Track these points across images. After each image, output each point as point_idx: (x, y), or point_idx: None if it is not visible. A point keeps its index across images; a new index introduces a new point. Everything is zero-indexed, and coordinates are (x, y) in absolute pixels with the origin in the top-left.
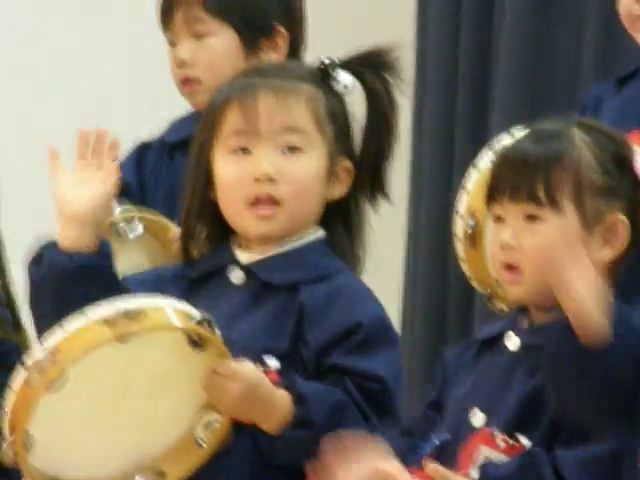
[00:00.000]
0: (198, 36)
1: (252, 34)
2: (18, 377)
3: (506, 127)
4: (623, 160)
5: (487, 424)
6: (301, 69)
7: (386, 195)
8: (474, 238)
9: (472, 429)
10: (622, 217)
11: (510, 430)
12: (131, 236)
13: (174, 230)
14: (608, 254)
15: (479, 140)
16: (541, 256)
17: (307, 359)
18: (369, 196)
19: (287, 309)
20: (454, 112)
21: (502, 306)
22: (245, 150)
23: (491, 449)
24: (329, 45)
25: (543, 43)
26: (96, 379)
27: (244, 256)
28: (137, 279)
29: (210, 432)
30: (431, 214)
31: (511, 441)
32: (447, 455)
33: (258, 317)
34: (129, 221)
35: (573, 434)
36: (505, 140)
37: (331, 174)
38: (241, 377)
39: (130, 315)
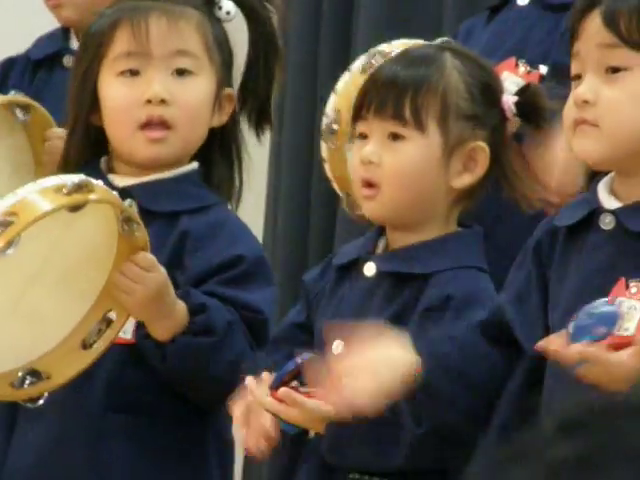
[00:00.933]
0: None
1: None
2: None
3: None
4: (491, 90)
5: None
6: None
7: (271, 123)
8: (335, 134)
9: (334, 357)
10: (483, 145)
11: None
12: (23, 119)
13: (55, 130)
14: (467, 180)
15: (342, 71)
16: (400, 174)
17: (182, 285)
18: (255, 124)
19: (166, 236)
20: (317, 46)
21: (361, 212)
22: (135, 72)
23: None
24: None
25: None
26: (36, 255)
27: (119, 180)
28: None
29: (105, 334)
30: (294, 137)
31: None
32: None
33: None
34: (25, 107)
35: None
36: (382, 47)
37: (217, 102)
38: (159, 270)
39: (80, 186)
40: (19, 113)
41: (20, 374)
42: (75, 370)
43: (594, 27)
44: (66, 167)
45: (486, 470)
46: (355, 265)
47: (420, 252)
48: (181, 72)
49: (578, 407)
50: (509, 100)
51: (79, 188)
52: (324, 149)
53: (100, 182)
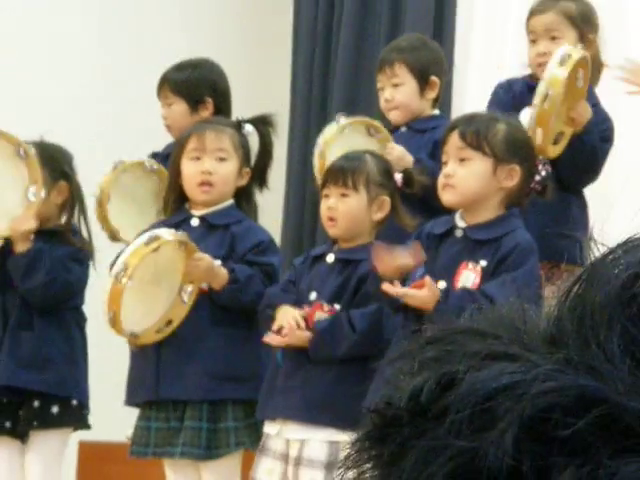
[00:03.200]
0: (169, 105)
1: (194, 103)
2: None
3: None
4: (389, 172)
5: (318, 298)
6: (227, 121)
7: (267, 186)
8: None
9: (310, 301)
10: (387, 198)
11: (330, 301)
12: (154, 168)
13: (164, 181)
14: (379, 215)
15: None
16: (347, 215)
17: (235, 260)
18: (258, 186)
19: (224, 237)
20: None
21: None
22: (198, 158)
23: (321, 312)
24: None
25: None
26: (143, 275)
27: (195, 212)
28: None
29: (188, 296)
30: (296, 195)
31: (330, 307)
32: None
33: (209, 242)
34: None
35: (363, 300)
36: None
37: (240, 174)
38: (206, 259)
39: (153, 239)
40: (148, 163)
41: (161, 324)
42: (183, 314)
43: (454, 138)
44: (166, 206)
45: (385, 365)
46: (322, 256)
47: (356, 250)
48: (221, 159)
49: (438, 329)
50: (397, 176)
51: (153, 240)
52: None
53: (163, 230)
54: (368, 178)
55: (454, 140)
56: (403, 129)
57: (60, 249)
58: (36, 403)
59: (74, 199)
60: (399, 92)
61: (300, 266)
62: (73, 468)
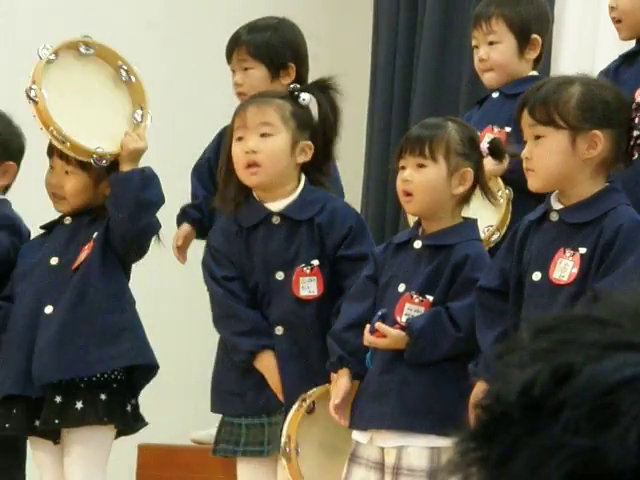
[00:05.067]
0: (245, 69)
1: (275, 69)
2: None
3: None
4: (474, 141)
5: (406, 290)
6: (276, 92)
7: (332, 159)
8: None
9: (398, 294)
10: (471, 170)
11: (421, 292)
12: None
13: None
14: (461, 189)
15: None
16: (424, 187)
17: (328, 255)
18: (322, 160)
19: (311, 232)
20: (391, 105)
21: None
22: (241, 138)
23: (411, 304)
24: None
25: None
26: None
27: (272, 206)
28: (218, 233)
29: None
30: (377, 179)
31: (421, 298)
32: (387, 319)
33: (297, 241)
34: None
35: (462, 290)
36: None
37: (296, 149)
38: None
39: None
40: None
41: None
42: None
43: (526, 115)
44: (223, 197)
45: (490, 359)
46: (407, 243)
47: (445, 233)
48: (265, 135)
49: (548, 318)
50: (484, 145)
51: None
52: None
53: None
54: (448, 147)
55: (525, 118)
56: (495, 95)
57: None
58: (58, 398)
59: None
60: (496, 51)
61: (381, 256)
62: (133, 473)
